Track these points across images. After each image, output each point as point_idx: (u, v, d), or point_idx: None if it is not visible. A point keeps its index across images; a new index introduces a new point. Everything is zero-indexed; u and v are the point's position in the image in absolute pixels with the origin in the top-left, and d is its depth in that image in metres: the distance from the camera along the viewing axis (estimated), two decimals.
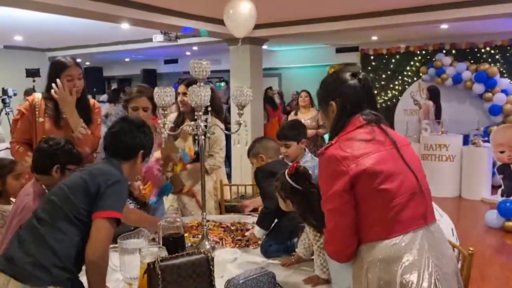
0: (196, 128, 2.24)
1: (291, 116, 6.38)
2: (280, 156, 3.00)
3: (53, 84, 2.71)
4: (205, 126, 2.28)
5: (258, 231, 2.37)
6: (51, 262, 1.69)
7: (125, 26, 5.91)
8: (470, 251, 1.88)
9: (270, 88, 10.49)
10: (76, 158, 2.36)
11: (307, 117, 5.90)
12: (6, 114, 5.23)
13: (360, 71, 1.79)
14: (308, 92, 6.23)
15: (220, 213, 3.42)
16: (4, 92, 5.18)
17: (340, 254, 1.65)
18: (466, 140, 7.53)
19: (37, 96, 2.84)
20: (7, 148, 5.77)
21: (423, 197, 1.61)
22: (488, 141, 6.97)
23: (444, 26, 7.03)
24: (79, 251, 1.74)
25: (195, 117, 2.22)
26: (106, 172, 1.85)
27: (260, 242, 2.38)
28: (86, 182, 1.79)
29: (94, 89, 11.63)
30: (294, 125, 3.03)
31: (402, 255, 1.51)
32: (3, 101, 5.05)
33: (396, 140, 1.66)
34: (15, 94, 5.20)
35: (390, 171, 1.56)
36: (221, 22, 4.41)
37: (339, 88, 1.73)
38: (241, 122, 2.30)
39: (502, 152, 6.33)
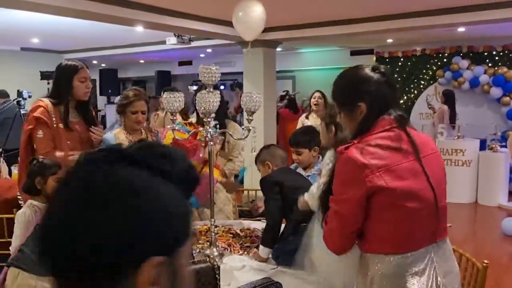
0: (206, 135, 2.22)
1: (301, 120, 5.64)
2: (293, 165, 2.98)
3: (91, 129, 2.80)
4: (215, 131, 2.26)
5: (262, 250, 2.29)
6: None
7: (139, 28, 5.94)
8: (484, 264, 1.82)
9: (287, 91, 10.39)
10: None
11: (320, 121, 5.12)
12: (20, 116, 5.29)
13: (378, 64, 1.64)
14: (322, 93, 5.55)
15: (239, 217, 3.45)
16: (19, 94, 5.24)
17: (337, 252, 1.61)
18: (483, 145, 7.40)
19: (47, 101, 2.78)
20: None
21: (437, 215, 1.54)
22: (505, 146, 6.84)
23: (461, 29, 6.92)
24: None
25: (204, 123, 2.20)
26: None
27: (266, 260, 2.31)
28: None
29: (110, 91, 11.74)
30: (306, 131, 2.99)
31: (409, 271, 1.47)
32: (18, 103, 5.11)
33: (421, 148, 1.55)
34: (29, 96, 5.26)
35: (411, 188, 1.48)
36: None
37: (366, 86, 1.58)
38: (250, 128, 2.27)
39: None
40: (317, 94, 5.55)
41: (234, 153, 3.31)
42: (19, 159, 2.83)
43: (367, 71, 1.60)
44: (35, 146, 2.72)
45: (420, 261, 1.48)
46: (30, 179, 2.49)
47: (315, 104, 5.42)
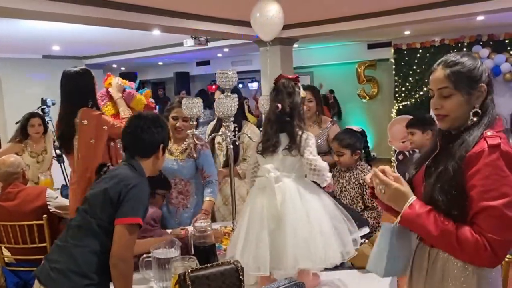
0: (225, 138, 2.26)
1: None
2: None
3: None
4: (234, 135, 2.29)
5: None
6: (70, 268, 1.81)
7: (156, 32, 6.02)
8: None
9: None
10: (163, 184, 2.62)
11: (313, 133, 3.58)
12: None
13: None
14: (313, 91, 3.54)
15: None
16: (43, 102, 5.35)
17: (494, 265, 1.45)
18: None
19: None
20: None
21: None
22: None
23: (480, 17, 6.79)
24: (101, 259, 1.83)
25: (222, 127, 2.24)
26: (124, 177, 1.91)
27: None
28: (107, 191, 1.86)
29: None
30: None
31: None
32: (43, 110, 5.22)
33: None
34: (53, 104, 5.36)
35: None
36: (250, 24, 4.42)
37: (484, 69, 1.53)
38: None
39: None
40: (306, 95, 3.33)
41: (249, 153, 3.33)
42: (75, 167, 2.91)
43: (474, 57, 1.58)
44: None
45: None
46: None
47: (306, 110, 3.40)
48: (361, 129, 3.12)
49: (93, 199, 1.91)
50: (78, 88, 2.89)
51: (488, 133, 1.44)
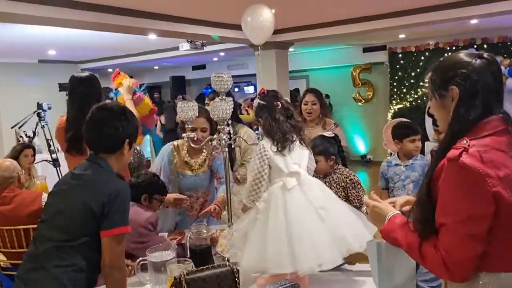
0: (219, 141, 2.26)
1: None
2: None
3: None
4: (229, 138, 2.30)
5: None
6: None
7: (152, 36, 6.04)
8: None
9: (297, 90, 10.38)
10: (161, 189, 2.63)
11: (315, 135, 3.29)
12: (41, 127, 5.43)
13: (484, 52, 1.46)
14: (316, 94, 3.68)
15: None
16: (39, 106, 5.37)
17: (462, 279, 1.36)
18: None
19: None
20: (43, 160, 6.00)
21: None
22: None
23: (474, 21, 6.85)
24: (89, 273, 1.79)
25: (218, 130, 2.25)
26: (100, 183, 1.81)
27: None
28: (87, 204, 1.77)
29: None
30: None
31: None
32: (38, 115, 5.25)
33: None
34: (49, 108, 5.39)
35: None
36: None
37: (463, 69, 1.39)
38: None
39: None
40: (309, 97, 3.64)
41: (247, 158, 3.30)
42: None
43: (468, 55, 1.43)
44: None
45: None
46: None
47: (308, 112, 3.60)
48: (333, 135, 3.12)
49: (69, 212, 1.79)
50: (87, 92, 2.94)
51: (463, 142, 1.33)
